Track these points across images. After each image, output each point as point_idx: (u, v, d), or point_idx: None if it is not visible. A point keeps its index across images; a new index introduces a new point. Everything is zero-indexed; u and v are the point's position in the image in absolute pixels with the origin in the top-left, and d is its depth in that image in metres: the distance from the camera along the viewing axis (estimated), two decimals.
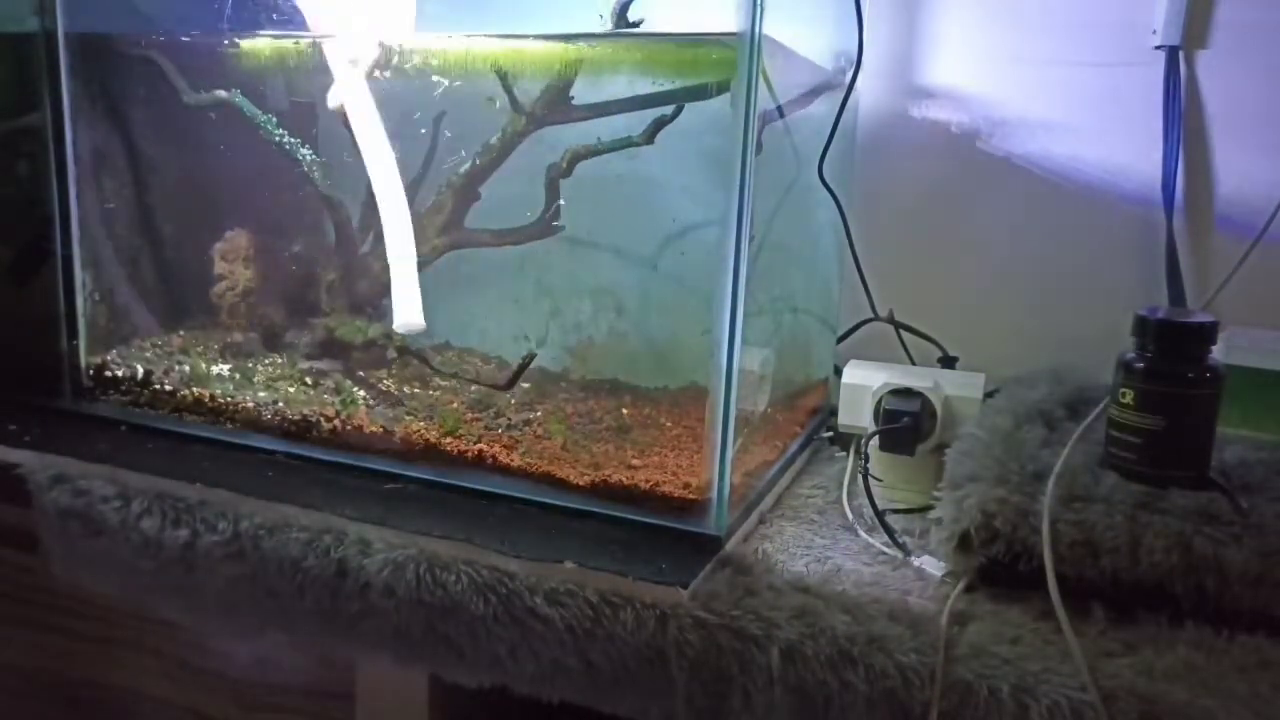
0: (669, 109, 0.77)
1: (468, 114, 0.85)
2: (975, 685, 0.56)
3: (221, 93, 0.88)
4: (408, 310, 0.80)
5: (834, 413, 0.86)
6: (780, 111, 0.77)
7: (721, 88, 0.69)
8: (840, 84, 0.92)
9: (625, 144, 0.78)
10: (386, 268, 0.90)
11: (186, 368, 0.91)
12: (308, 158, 0.87)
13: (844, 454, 0.90)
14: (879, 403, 0.81)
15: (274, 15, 0.90)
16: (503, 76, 0.80)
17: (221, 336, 0.96)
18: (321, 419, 0.83)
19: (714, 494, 0.70)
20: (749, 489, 0.77)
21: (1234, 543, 0.61)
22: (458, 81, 0.81)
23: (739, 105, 0.65)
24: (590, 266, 0.91)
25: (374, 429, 0.81)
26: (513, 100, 0.81)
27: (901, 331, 0.99)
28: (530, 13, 0.83)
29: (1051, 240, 1.00)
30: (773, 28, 0.65)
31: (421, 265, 0.89)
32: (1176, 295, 0.95)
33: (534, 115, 0.82)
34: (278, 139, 0.87)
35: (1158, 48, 0.94)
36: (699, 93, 0.75)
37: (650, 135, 0.77)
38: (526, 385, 0.85)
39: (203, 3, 0.90)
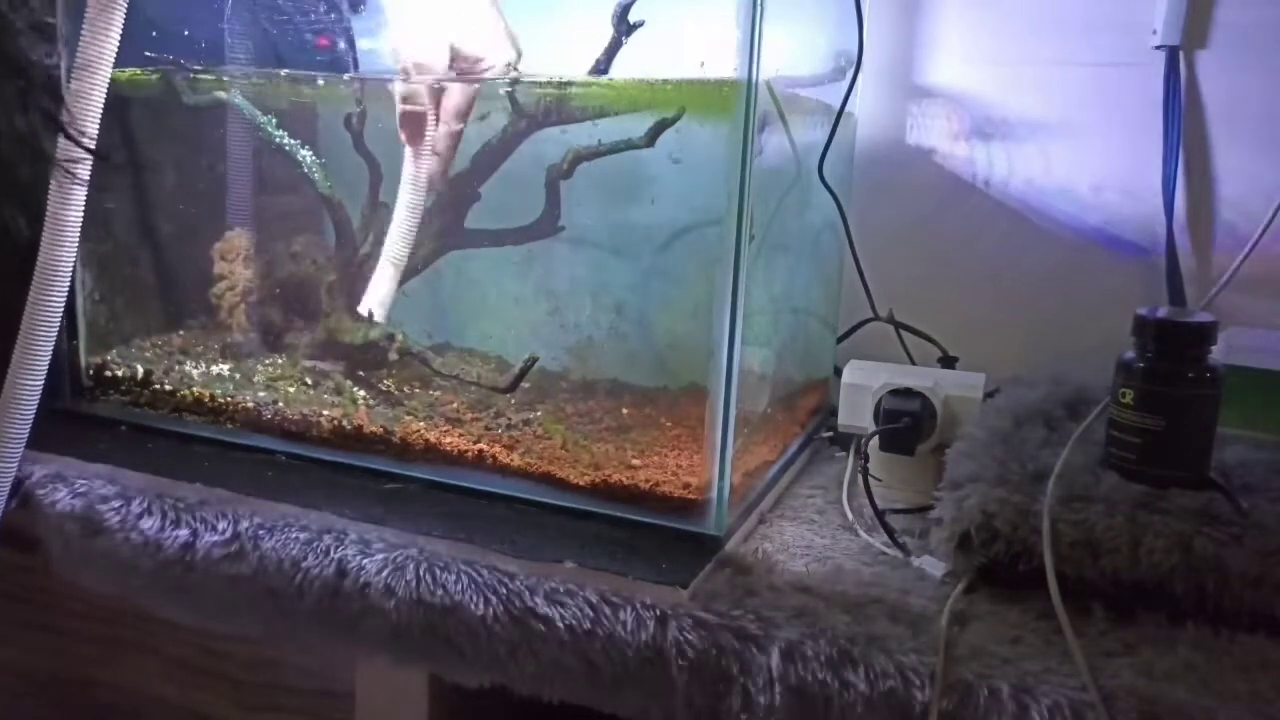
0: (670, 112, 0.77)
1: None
2: (975, 685, 0.56)
3: (221, 93, 0.88)
4: (375, 302, 0.87)
5: (834, 413, 0.86)
6: (781, 114, 0.77)
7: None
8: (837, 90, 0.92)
9: (627, 146, 0.78)
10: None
11: (187, 367, 0.92)
12: (308, 159, 0.87)
13: (844, 454, 0.90)
14: (879, 403, 0.81)
15: (274, 15, 0.90)
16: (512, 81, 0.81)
17: (221, 336, 0.96)
18: (321, 419, 0.83)
19: (714, 494, 0.70)
20: (749, 489, 0.77)
21: (1234, 543, 0.61)
22: None
23: (739, 115, 0.65)
24: (591, 266, 0.91)
25: (374, 429, 0.81)
26: (513, 101, 0.81)
27: (901, 331, 0.99)
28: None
29: (1051, 240, 1.00)
30: (771, 30, 0.66)
31: (421, 266, 0.90)
32: (1176, 295, 0.95)
33: (534, 117, 0.82)
34: (277, 140, 0.87)
35: (1158, 48, 0.94)
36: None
37: (652, 138, 0.77)
38: (526, 385, 0.85)
39: (203, 2, 0.90)
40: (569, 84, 0.79)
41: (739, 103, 0.65)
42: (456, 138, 0.84)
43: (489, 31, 0.81)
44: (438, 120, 0.83)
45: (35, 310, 0.72)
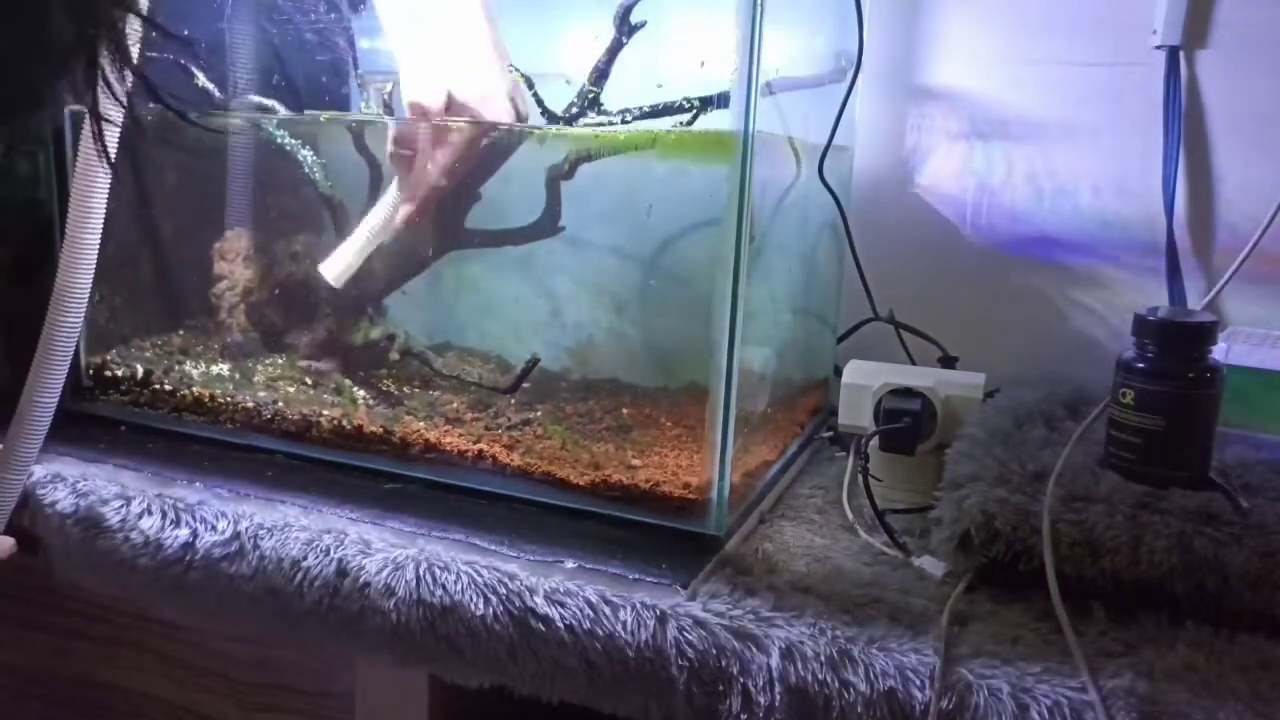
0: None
1: None
2: (975, 685, 0.56)
3: (254, 97, 0.89)
4: (335, 265, 0.84)
5: (834, 413, 0.86)
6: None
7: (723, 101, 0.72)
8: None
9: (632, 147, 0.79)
10: (387, 268, 0.90)
11: (187, 367, 0.92)
12: (309, 159, 0.87)
13: (844, 454, 0.90)
14: (879, 403, 0.81)
15: (274, 15, 0.90)
16: (530, 83, 0.81)
17: (221, 336, 0.96)
18: (321, 419, 0.83)
19: (714, 494, 0.70)
20: (749, 489, 0.77)
21: (1234, 543, 0.61)
22: None
23: (739, 116, 0.66)
24: (591, 266, 0.91)
25: (374, 429, 0.81)
26: (540, 105, 0.81)
27: (901, 331, 0.99)
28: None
29: (1051, 240, 1.00)
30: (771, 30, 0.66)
31: (422, 266, 0.90)
32: (1177, 295, 0.95)
33: (564, 121, 0.82)
34: (279, 141, 0.87)
35: (1158, 48, 0.94)
36: (710, 103, 0.76)
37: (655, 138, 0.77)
38: (526, 385, 0.85)
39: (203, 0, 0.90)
40: (570, 132, 0.81)
41: (739, 102, 0.65)
42: (439, 190, 0.81)
43: (491, 89, 0.77)
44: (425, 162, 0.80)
45: (56, 313, 0.72)
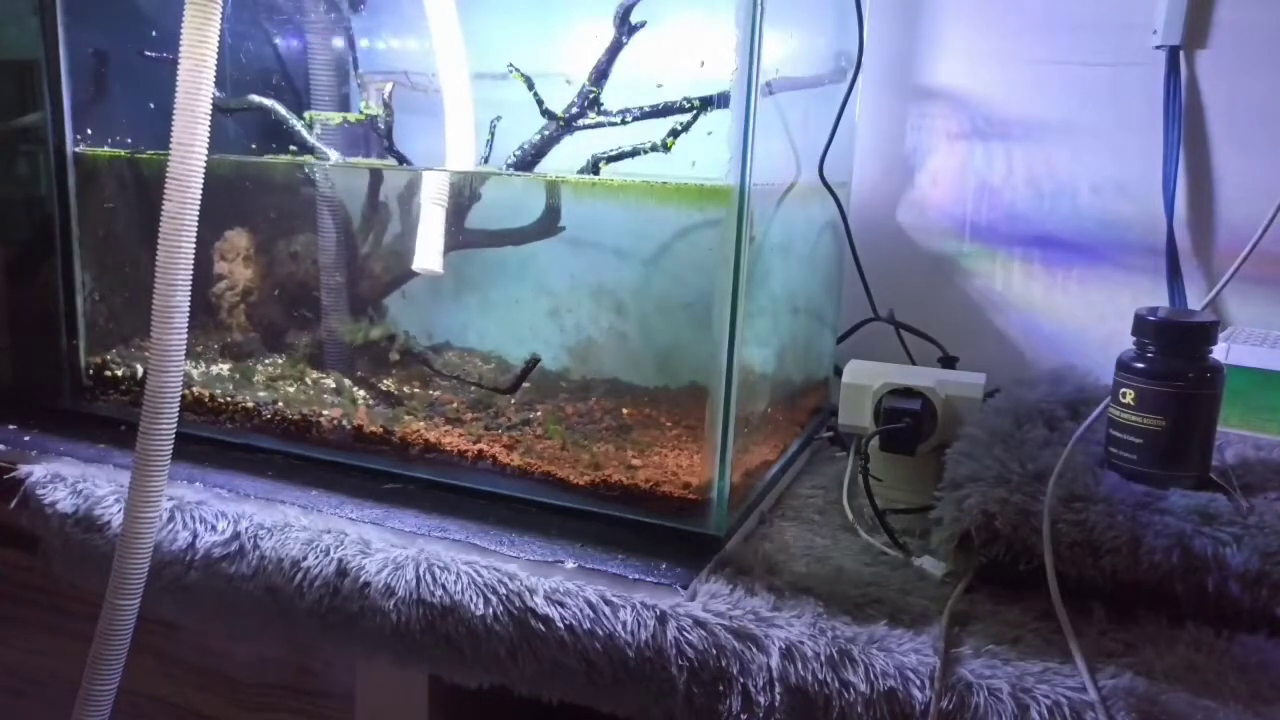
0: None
1: None
2: (975, 685, 0.56)
3: (254, 97, 0.89)
4: (429, 255, 0.84)
5: (834, 413, 0.86)
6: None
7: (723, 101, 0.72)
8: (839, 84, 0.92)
9: (650, 149, 0.79)
10: (386, 269, 0.90)
11: (187, 367, 0.91)
12: (309, 159, 0.87)
13: (844, 454, 0.90)
14: (879, 403, 0.81)
15: (274, 15, 0.90)
16: (530, 83, 0.81)
17: (221, 336, 0.96)
18: (321, 419, 0.83)
19: (714, 494, 0.71)
20: (749, 489, 0.77)
21: (1234, 543, 0.61)
22: None
23: (738, 117, 0.65)
24: (591, 266, 0.91)
25: (374, 429, 0.81)
26: (540, 106, 0.81)
27: (901, 331, 0.99)
28: None
29: (1051, 240, 1.00)
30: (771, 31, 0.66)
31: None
32: (1177, 295, 0.95)
33: (564, 121, 0.82)
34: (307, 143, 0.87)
35: (1158, 48, 0.94)
36: (710, 103, 0.77)
37: (668, 144, 0.77)
38: (526, 385, 0.85)
39: None
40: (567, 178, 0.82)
41: (739, 103, 0.66)
42: None
43: None
44: None
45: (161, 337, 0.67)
